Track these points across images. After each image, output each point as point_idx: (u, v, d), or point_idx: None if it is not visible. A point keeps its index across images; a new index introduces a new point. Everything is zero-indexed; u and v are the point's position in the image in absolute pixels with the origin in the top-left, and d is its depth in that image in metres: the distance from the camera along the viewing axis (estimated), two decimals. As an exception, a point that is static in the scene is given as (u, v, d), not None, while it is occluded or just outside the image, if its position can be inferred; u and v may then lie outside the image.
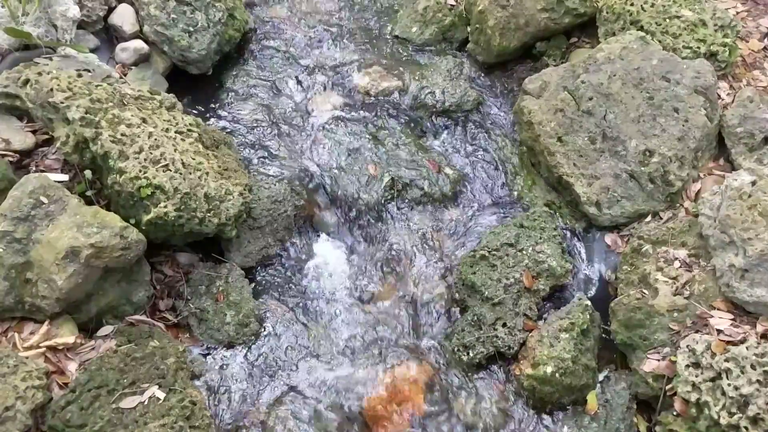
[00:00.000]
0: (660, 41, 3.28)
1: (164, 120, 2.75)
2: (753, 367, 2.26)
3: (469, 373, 2.75)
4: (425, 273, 3.06)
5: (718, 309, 2.52)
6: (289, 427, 2.56)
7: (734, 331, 2.42)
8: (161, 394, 2.30)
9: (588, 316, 2.69)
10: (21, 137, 2.75)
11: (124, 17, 3.39)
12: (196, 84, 3.59)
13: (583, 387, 2.62)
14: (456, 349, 2.77)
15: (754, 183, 2.56)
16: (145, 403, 2.26)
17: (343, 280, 3.02)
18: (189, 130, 2.79)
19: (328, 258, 3.10)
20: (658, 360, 2.51)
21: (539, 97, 3.25)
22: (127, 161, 2.50)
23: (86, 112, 2.52)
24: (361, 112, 3.57)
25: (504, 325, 2.75)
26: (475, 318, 2.78)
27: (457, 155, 3.48)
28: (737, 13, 3.57)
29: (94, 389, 2.27)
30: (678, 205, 3.00)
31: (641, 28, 3.34)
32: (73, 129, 2.51)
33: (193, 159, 2.68)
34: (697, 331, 2.48)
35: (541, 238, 2.92)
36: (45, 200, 2.40)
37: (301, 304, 2.94)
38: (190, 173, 2.62)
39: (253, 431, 2.53)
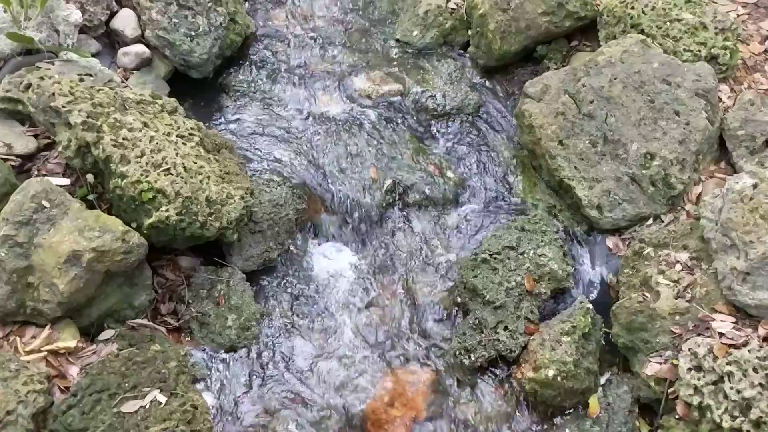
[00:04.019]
0: (661, 44, 3.28)
1: (166, 124, 2.76)
2: (755, 370, 2.25)
3: (470, 376, 2.75)
4: (426, 276, 3.06)
5: (720, 312, 2.51)
6: (290, 431, 2.56)
7: (736, 335, 2.42)
8: (162, 398, 2.29)
9: (590, 320, 2.68)
10: (23, 141, 2.76)
11: (125, 22, 3.40)
12: (197, 88, 3.59)
13: (585, 390, 2.62)
14: (457, 352, 2.76)
15: (755, 186, 2.55)
16: (147, 407, 2.26)
17: (345, 284, 3.02)
18: (190, 134, 2.79)
19: (330, 262, 3.10)
20: (660, 363, 2.51)
21: (540, 101, 3.25)
22: (129, 165, 2.51)
23: (88, 117, 2.52)
24: (362, 115, 3.57)
25: (505, 328, 2.74)
26: (477, 321, 2.78)
27: (458, 159, 3.48)
28: (738, 16, 3.56)
29: (96, 393, 2.27)
30: (679, 208, 2.99)
31: (642, 32, 3.34)
32: (74, 133, 2.52)
33: (195, 163, 2.68)
34: (699, 335, 2.47)
35: (542, 242, 2.92)
36: (47, 204, 2.41)
37: (302, 308, 2.94)
38: (192, 177, 2.62)
39: (254, 435, 2.53)
